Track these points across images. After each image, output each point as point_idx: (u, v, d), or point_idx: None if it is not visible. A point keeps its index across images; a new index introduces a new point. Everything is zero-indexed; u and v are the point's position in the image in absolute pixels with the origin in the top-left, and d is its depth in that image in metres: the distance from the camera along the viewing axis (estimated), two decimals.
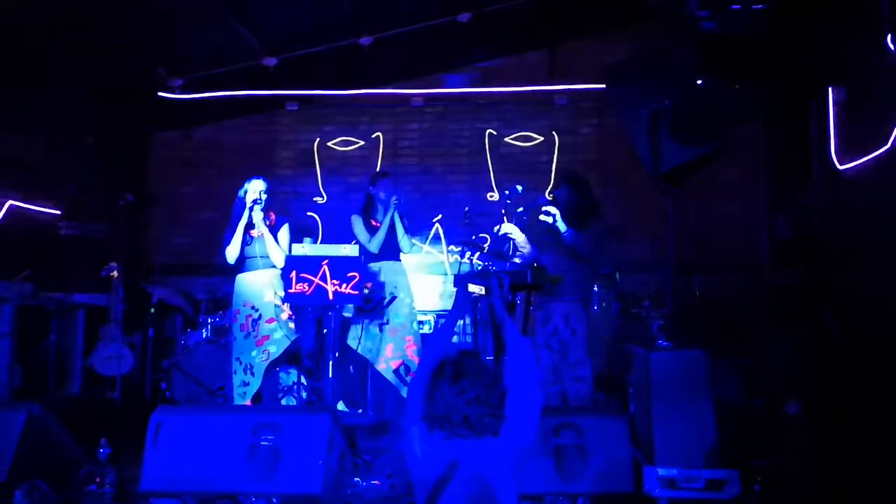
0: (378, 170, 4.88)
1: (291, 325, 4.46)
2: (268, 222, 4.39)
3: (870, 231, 4.76)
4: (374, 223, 4.62)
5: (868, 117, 4.81)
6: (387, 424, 4.50)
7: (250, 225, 4.35)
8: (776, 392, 4.39)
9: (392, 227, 4.58)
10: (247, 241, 4.37)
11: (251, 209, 4.32)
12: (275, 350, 4.33)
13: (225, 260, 4.43)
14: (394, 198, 4.55)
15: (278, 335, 4.35)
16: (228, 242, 4.37)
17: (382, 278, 4.58)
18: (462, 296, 2.65)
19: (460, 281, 2.94)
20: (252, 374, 4.29)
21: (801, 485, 3.31)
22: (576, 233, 4.08)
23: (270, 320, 4.35)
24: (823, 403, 4.11)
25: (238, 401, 4.29)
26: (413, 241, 4.82)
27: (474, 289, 2.63)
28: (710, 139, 4.03)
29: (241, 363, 4.33)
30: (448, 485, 1.93)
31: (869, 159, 4.73)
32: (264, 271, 4.40)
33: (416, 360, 4.46)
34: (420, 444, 2.03)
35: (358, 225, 4.64)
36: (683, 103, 3.86)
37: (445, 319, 2.54)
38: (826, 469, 3.39)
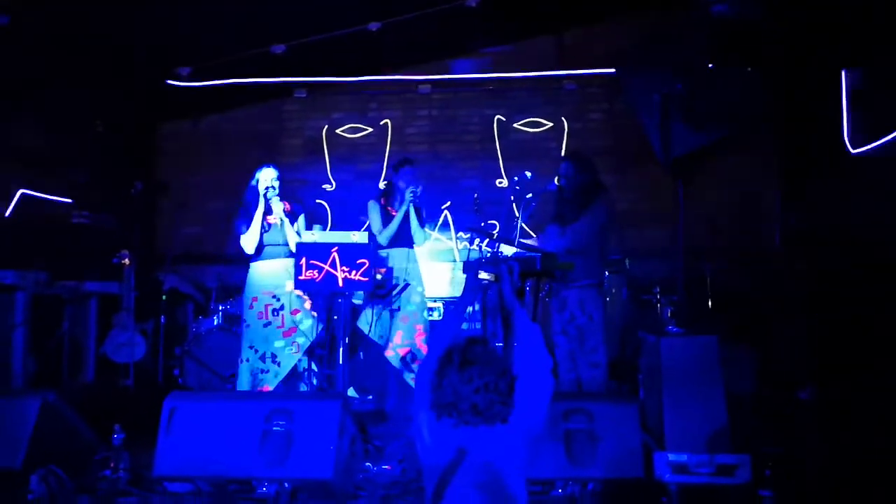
0: (403, 157, 4.80)
1: (314, 314, 4.43)
2: (284, 209, 4.35)
3: (884, 217, 4.72)
4: (391, 211, 4.56)
5: (882, 102, 4.75)
6: (387, 413, 4.51)
7: (267, 212, 4.32)
8: (788, 378, 4.38)
9: (406, 219, 4.53)
10: (264, 228, 4.33)
11: (266, 197, 4.28)
12: (304, 341, 4.31)
13: (238, 249, 4.39)
14: (409, 190, 4.48)
15: (305, 326, 4.33)
16: (243, 232, 4.32)
17: (393, 265, 4.57)
18: (471, 282, 2.63)
19: (470, 268, 2.92)
20: (276, 363, 4.25)
21: (812, 470, 3.31)
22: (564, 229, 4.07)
23: (296, 311, 4.31)
24: (835, 390, 4.10)
25: (244, 388, 4.25)
26: (429, 231, 4.74)
27: (484, 275, 2.61)
28: (722, 124, 4.00)
29: (256, 351, 4.28)
30: (457, 472, 1.93)
31: (882, 144, 4.68)
32: (282, 260, 4.35)
33: (423, 348, 4.46)
34: (428, 432, 2.03)
35: (374, 212, 4.60)
36: (695, 88, 3.84)
37: (454, 306, 2.54)
38: (837, 454, 3.39)
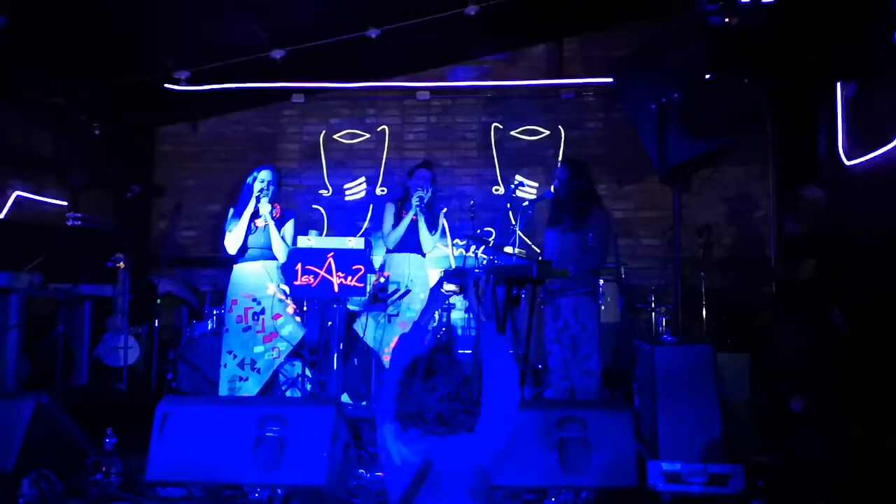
0: (421, 161, 4.83)
1: (298, 318, 4.34)
2: (274, 214, 4.26)
3: (878, 227, 4.74)
4: (404, 215, 4.54)
5: (877, 113, 4.78)
6: None
7: (255, 215, 4.23)
8: (783, 387, 4.38)
9: (414, 225, 4.51)
10: (250, 230, 4.24)
11: (258, 199, 4.20)
12: (285, 347, 4.20)
13: (225, 249, 4.30)
14: (416, 195, 4.47)
15: (286, 331, 4.21)
16: (229, 230, 4.23)
17: (399, 270, 4.54)
18: (435, 293, 2.56)
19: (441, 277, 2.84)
20: (256, 370, 4.14)
21: (805, 480, 3.31)
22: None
23: (277, 316, 4.20)
24: (831, 398, 4.10)
25: (223, 395, 4.14)
26: (437, 241, 4.66)
27: (449, 287, 2.57)
28: (719, 134, 4.01)
29: (234, 357, 4.16)
30: (424, 483, 1.91)
31: (877, 156, 4.70)
32: (264, 262, 4.25)
33: None
34: (393, 443, 2.01)
35: (388, 215, 4.60)
36: (692, 98, 3.85)
37: (419, 316, 2.49)
38: (831, 464, 3.39)
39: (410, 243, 4.53)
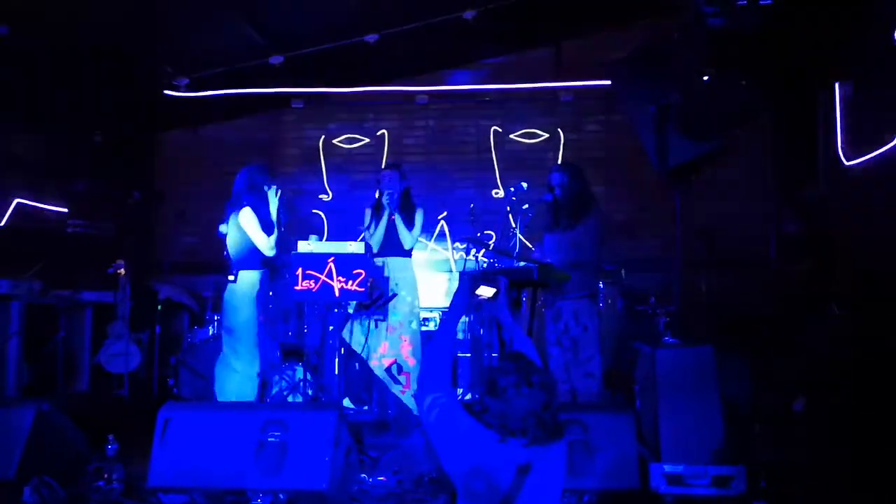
0: (386, 164, 4.84)
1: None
2: None
3: (877, 226, 4.74)
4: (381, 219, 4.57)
5: (875, 113, 4.79)
6: (389, 423, 4.49)
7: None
8: (785, 387, 4.38)
9: (392, 224, 4.55)
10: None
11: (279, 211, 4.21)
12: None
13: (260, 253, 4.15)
14: (385, 195, 4.52)
15: None
16: (270, 233, 4.11)
17: (385, 274, 4.56)
18: (463, 297, 2.50)
19: (468, 279, 2.80)
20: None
21: (808, 481, 3.30)
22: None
23: None
24: (833, 399, 4.10)
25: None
26: (419, 237, 4.70)
27: (483, 291, 2.53)
28: (718, 135, 4.01)
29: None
30: (521, 491, 1.89)
31: (876, 155, 4.71)
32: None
33: (409, 359, 4.43)
34: (487, 455, 1.94)
35: (367, 219, 4.66)
36: (691, 99, 3.85)
37: (447, 320, 2.44)
38: (833, 465, 3.39)
39: (390, 245, 4.55)
